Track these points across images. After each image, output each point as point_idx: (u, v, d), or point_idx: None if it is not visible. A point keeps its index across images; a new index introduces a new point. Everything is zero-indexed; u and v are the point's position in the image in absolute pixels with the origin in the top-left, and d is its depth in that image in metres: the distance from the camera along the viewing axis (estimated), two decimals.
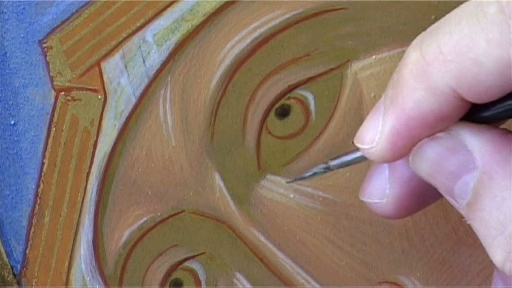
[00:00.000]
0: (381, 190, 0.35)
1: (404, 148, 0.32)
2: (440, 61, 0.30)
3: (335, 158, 0.37)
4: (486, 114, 0.31)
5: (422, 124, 0.31)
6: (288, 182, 0.42)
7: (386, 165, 0.34)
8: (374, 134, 0.33)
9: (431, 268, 0.42)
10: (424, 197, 0.35)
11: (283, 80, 0.42)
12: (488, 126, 0.31)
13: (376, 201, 0.35)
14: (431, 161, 0.32)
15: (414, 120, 0.31)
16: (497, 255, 0.30)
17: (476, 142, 0.31)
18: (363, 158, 0.35)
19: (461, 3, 0.38)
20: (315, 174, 0.38)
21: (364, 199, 0.35)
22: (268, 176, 0.43)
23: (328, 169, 0.37)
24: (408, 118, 0.31)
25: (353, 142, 0.34)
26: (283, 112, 0.42)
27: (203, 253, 0.44)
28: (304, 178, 0.39)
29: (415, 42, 0.31)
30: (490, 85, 0.29)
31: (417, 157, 0.32)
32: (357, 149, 0.34)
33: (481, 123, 0.31)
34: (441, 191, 0.32)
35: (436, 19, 0.40)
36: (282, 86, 0.42)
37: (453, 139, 0.31)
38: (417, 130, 0.31)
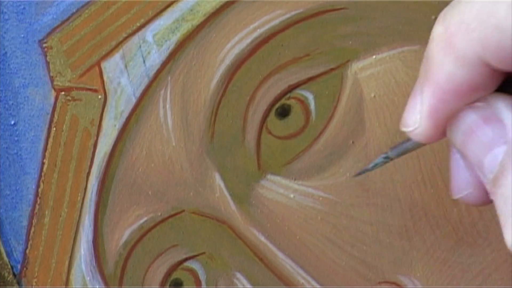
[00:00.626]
0: (466, 181, 0.34)
1: (445, 124, 0.32)
2: (464, 31, 0.30)
3: (393, 148, 0.37)
4: None
5: (457, 97, 0.31)
6: (356, 176, 0.41)
7: (459, 156, 0.34)
8: (415, 115, 0.33)
9: (431, 268, 0.42)
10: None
11: (283, 80, 0.42)
12: None
13: (466, 192, 0.34)
14: (466, 129, 0.32)
15: (449, 93, 0.31)
16: (508, 234, 0.30)
17: (510, 116, 0.31)
18: (420, 144, 0.34)
19: None
20: (376, 165, 0.38)
21: (457, 197, 0.34)
22: (268, 176, 0.43)
23: (388, 158, 0.37)
24: (443, 92, 0.31)
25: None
26: (283, 112, 0.42)
27: (203, 253, 0.44)
28: (367, 170, 0.39)
29: (440, 16, 0.31)
30: None
31: (453, 126, 0.32)
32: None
33: None
34: (472, 163, 0.32)
35: (436, 19, 0.40)
36: (282, 86, 0.42)
37: (489, 110, 0.31)
38: (453, 103, 0.31)
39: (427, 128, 0.32)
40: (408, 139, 0.35)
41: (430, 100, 0.32)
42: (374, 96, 0.41)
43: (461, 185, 0.34)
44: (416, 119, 0.33)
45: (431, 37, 0.31)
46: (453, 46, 0.30)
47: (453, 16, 0.30)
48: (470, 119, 0.32)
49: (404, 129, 0.34)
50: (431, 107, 0.32)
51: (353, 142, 0.42)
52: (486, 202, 0.34)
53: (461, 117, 0.32)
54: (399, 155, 0.36)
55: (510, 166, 0.30)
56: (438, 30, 0.31)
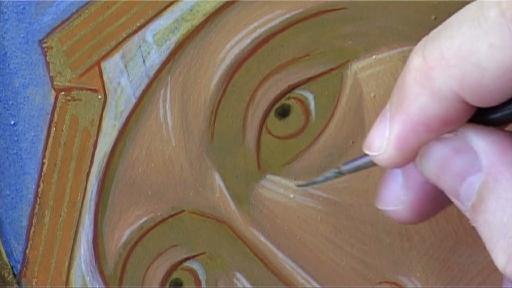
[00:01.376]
0: (397, 197, 0.35)
1: (412, 153, 0.32)
2: (443, 66, 0.30)
3: (347, 163, 0.37)
4: (492, 116, 0.31)
5: (428, 129, 0.31)
6: (299, 186, 0.42)
7: (399, 171, 0.35)
8: (382, 141, 0.33)
9: (431, 268, 0.42)
10: (439, 200, 0.35)
11: (283, 80, 0.42)
12: (494, 128, 0.31)
13: (392, 208, 0.35)
14: (438, 162, 0.32)
15: (420, 125, 0.31)
16: (499, 258, 0.30)
17: (482, 144, 0.31)
18: (375, 163, 0.35)
19: (461, 3, 0.38)
20: (327, 179, 0.38)
21: (380, 207, 0.35)
22: (268, 176, 0.43)
23: (340, 173, 0.37)
24: (414, 123, 0.31)
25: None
26: (283, 112, 0.42)
27: (203, 253, 0.44)
28: (316, 183, 0.39)
29: (418, 47, 0.31)
30: (493, 89, 0.29)
31: (423, 158, 0.32)
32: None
33: (487, 125, 0.31)
34: (447, 193, 0.32)
35: (436, 19, 0.40)
36: (282, 86, 0.42)
37: (459, 140, 0.31)
38: (423, 134, 0.32)
39: (392, 156, 0.33)
40: (364, 156, 0.35)
41: (400, 129, 0.32)
42: (374, 96, 0.41)
43: (392, 199, 0.35)
44: (382, 144, 0.33)
45: (408, 66, 0.31)
46: (430, 80, 0.30)
47: (433, 50, 0.30)
48: (441, 152, 0.32)
49: (367, 151, 0.34)
50: (400, 136, 0.32)
51: (353, 142, 0.42)
52: (408, 221, 0.35)
53: (431, 151, 0.32)
54: (352, 171, 0.36)
55: (488, 192, 0.30)
56: (416, 61, 0.31)
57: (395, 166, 0.34)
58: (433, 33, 0.31)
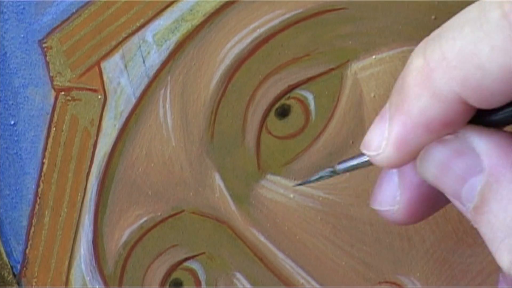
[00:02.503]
0: (392, 197, 0.35)
1: (410, 154, 0.32)
2: (444, 67, 0.30)
3: (341, 162, 0.37)
4: (494, 118, 0.31)
5: (428, 130, 0.31)
6: (295, 186, 0.42)
7: (395, 172, 0.34)
8: (380, 141, 0.33)
9: (431, 268, 0.42)
10: (435, 201, 0.34)
11: (283, 80, 0.42)
12: (495, 129, 0.31)
13: (388, 208, 0.35)
14: (438, 164, 0.32)
15: (420, 126, 0.31)
16: (503, 258, 0.30)
17: (483, 145, 0.31)
18: (370, 163, 0.35)
19: (461, 3, 0.38)
20: (321, 177, 0.38)
21: (375, 207, 0.35)
22: (268, 176, 0.43)
23: (334, 173, 0.37)
24: (414, 124, 0.31)
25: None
26: (283, 112, 0.42)
27: (203, 253, 0.44)
28: (310, 182, 0.39)
29: (419, 48, 0.31)
30: (494, 90, 0.29)
31: (424, 161, 0.32)
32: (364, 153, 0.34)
33: (488, 126, 0.31)
34: (448, 195, 0.32)
35: (436, 19, 0.40)
36: (282, 86, 0.42)
37: (460, 142, 0.31)
38: (423, 136, 0.31)
39: (390, 156, 0.32)
40: (359, 156, 0.35)
41: (399, 130, 0.32)
42: (374, 96, 0.41)
43: (387, 200, 0.35)
44: (381, 144, 0.33)
45: (408, 67, 0.31)
46: (432, 81, 0.30)
47: (434, 51, 0.30)
48: (442, 153, 0.32)
49: (365, 151, 0.34)
50: (399, 136, 0.32)
51: (353, 142, 0.42)
52: (402, 222, 0.35)
53: (431, 153, 0.32)
54: (346, 170, 0.36)
55: (490, 194, 0.30)
56: (417, 62, 0.31)
57: (393, 167, 0.33)
58: (434, 34, 0.31)
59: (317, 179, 0.38)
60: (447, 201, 0.34)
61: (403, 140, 0.32)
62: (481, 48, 0.29)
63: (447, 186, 0.32)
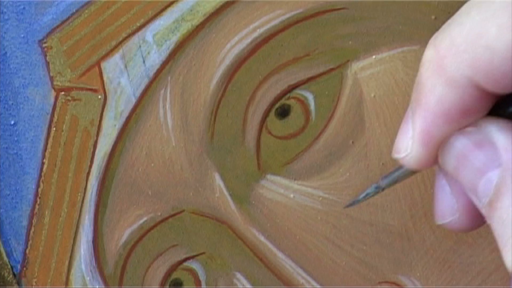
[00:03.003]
0: (450, 207, 0.34)
1: (437, 149, 0.32)
2: (454, 53, 0.30)
3: (385, 177, 0.36)
4: None
5: (448, 120, 0.31)
6: (346, 207, 0.41)
7: (445, 182, 0.34)
8: (407, 141, 0.32)
9: (431, 268, 0.42)
10: None
11: (283, 80, 0.42)
12: None
13: (450, 219, 0.34)
14: (458, 155, 0.31)
15: (440, 117, 0.31)
16: (509, 255, 0.30)
17: (503, 139, 0.30)
18: (412, 172, 0.34)
19: (461, 3, 0.38)
20: (367, 195, 0.37)
21: (440, 222, 0.35)
22: (268, 176, 0.43)
23: (380, 189, 0.36)
24: (434, 116, 0.31)
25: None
26: (283, 112, 0.42)
27: (203, 253, 0.44)
28: (358, 201, 0.38)
29: (431, 40, 0.31)
30: (505, 70, 0.29)
31: (445, 151, 0.32)
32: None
33: (509, 119, 0.31)
34: (466, 189, 0.32)
35: (436, 19, 0.40)
36: (282, 86, 0.42)
37: (480, 134, 0.31)
38: (445, 127, 0.31)
39: (418, 154, 0.32)
40: (399, 168, 0.35)
41: (421, 125, 0.32)
42: (374, 96, 0.41)
43: (446, 211, 0.34)
44: (408, 145, 0.32)
45: (422, 61, 0.31)
46: (443, 69, 0.30)
47: (443, 39, 0.30)
48: (462, 144, 0.31)
49: (396, 155, 0.33)
50: (423, 131, 0.32)
51: (353, 142, 0.42)
52: (470, 228, 0.34)
53: (452, 143, 0.32)
54: (391, 184, 0.36)
55: (505, 189, 0.30)
56: (428, 53, 0.31)
57: (424, 165, 0.33)
58: (445, 25, 0.31)
59: (365, 198, 0.37)
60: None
61: (427, 134, 0.31)
62: (488, 28, 0.29)
63: (465, 178, 0.31)
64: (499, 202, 0.30)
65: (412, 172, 0.34)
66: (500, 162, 0.30)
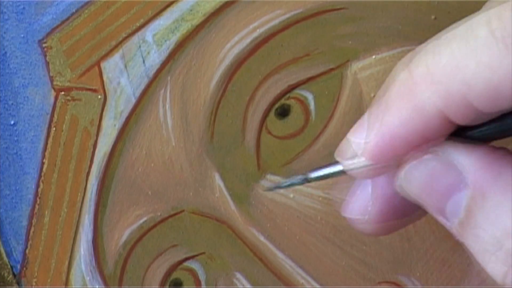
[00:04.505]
0: (364, 207, 0.34)
1: (384, 166, 0.32)
2: (428, 82, 0.30)
3: (314, 170, 0.36)
4: (474, 133, 0.31)
5: (406, 143, 0.31)
6: (265, 190, 0.42)
7: (369, 181, 0.34)
8: (356, 150, 0.32)
9: (431, 268, 0.42)
10: (406, 215, 0.34)
11: (283, 80, 0.42)
12: (475, 144, 0.31)
13: (358, 217, 0.34)
14: (420, 184, 0.31)
15: (399, 139, 0.31)
16: (496, 270, 0.30)
17: (465, 161, 0.30)
18: (343, 172, 0.34)
19: (461, 3, 0.38)
20: (292, 184, 0.37)
21: (346, 215, 0.35)
22: (268, 176, 0.43)
23: (306, 180, 0.36)
24: (392, 136, 0.31)
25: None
26: (283, 112, 0.42)
27: (203, 253, 0.44)
28: (280, 187, 0.39)
29: (404, 60, 0.31)
30: (478, 108, 0.29)
31: (405, 181, 0.32)
32: (338, 161, 0.34)
33: (469, 141, 0.31)
34: (431, 212, 0.32)
35: (436, 19, 0.40)
36: (282, 86, 0.42)
37: (441, 160, 0.31)
38: (401, 148, 0.31)
39: (363, 165, 0.32)
40: (331, 164, 0.35)
41: (377, 140, 0.31)
42: (374, 96, 0.41)
43: (357, 209, 0.34)
44: (355, 153, 0.32)
45: (392, 79, 0.31)
46: (415, 95, 0.30)
47: (420, 65, 0.30)
48: (424, 174, 0.31)
49: (338, 158, 0.33)
50: (376, 147, 0.31)
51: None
52: (372, 233, 0.34)
53: (413, 173, 0.31)
54: (319, 179, 0.36)
55: (476, 209, 0.30)
56: (401, 75, 0.31)
57: (366, 177, 0.33)
58: (420, 47, 0.31)
59: (288, 185, 0.37)
60: (421, 214, 0.34)
61: (380, 151, 0.31)
62: (467, 64, 0.28)
63: (430, 204, 0.31)
64: (472, 221, 0.30)
65: (343, 173, 0.34)
66: (466, 184, 0.30)
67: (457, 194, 0.30)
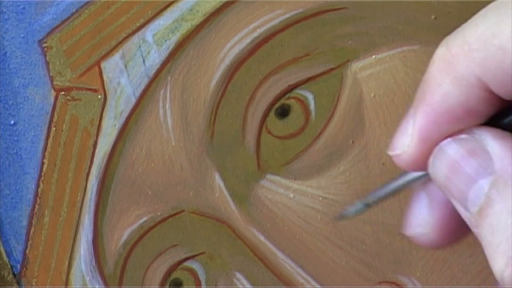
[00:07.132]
0: (423, 220, 0.34)
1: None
2: (466, 51, 0.30)
3: (372, 193, 0.36)
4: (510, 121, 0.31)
5: (450, 119, 0.31)
6: (333, 219, 0.41)
7: (424, 194, 0.34)
8: (406, 138, 0.32)
9: (431, 268, 0.42)
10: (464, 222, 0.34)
11: (283, 80, 0.42)
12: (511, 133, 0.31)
13: (419, 231, 0.34)
14: (450, 162, 0.31)
15: (443, 115, 0.31)
16: (498, 261, 0.30)
17: (497, 147, 0.30)
18: (399, 188, 0.34)
19: (461, 3, 0.38)
20: (356, 212, 0.37)
21: (408, 232, 0.34)
22: (268, 176, 0.43)
23: (367, 206, 0.36)
24: (436, 113, 0.31)
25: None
26: (283, 112, 0.42)
27: (203, 253, 0.44)
28: (346, 217, 0.38)
29: (444, 40, 0.31)
30: None
31: (436, 158, 0.32)
32: (392, 180, 0.34)
33: (505, 130, 0.31)
34: (455, 197, 0.31)
35: (436, 19, 0.40)
36: (282, 86, 0.42)
37: (474, 142, 0.31)
38: (445, 126, 0.31)
39: (415, 152, 0.32)
40: (386, 184, 0.34)
41: (422, 121, 0.31)
42: (374, 96, 0.41)
43: (418, 223, 0.34)
44: (405, 142, 0.32)
45: (432, 59, 0.31)
46: (453, 66, 0.30)
47: (456, 38, 0.30)
48: (454, 151, 0.31)
49: (390, 152, 0.33)
50: (423, 128, 0.31)
51: (353, 142, 0.42)
52: (435, 245, 0.34)
53: (444, 149, 0.31)
54: (378, 201, 0.36)
55: (496, 195, 0.30)
56: (439, 51, 0.31)
57: (416, 166, 0.33)
58: (459, 27, 0.31)
59: (354, 215, 0.37)
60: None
61: (427, 132, 0.31)
62: (502, 29, 0.29)
63: (455, 187, 0.31)
64: (490, 208, 0.30)
65: (400, 189, 0.34)
66: (493, 170, 0.30)
67: (483, 180, 0.30)
